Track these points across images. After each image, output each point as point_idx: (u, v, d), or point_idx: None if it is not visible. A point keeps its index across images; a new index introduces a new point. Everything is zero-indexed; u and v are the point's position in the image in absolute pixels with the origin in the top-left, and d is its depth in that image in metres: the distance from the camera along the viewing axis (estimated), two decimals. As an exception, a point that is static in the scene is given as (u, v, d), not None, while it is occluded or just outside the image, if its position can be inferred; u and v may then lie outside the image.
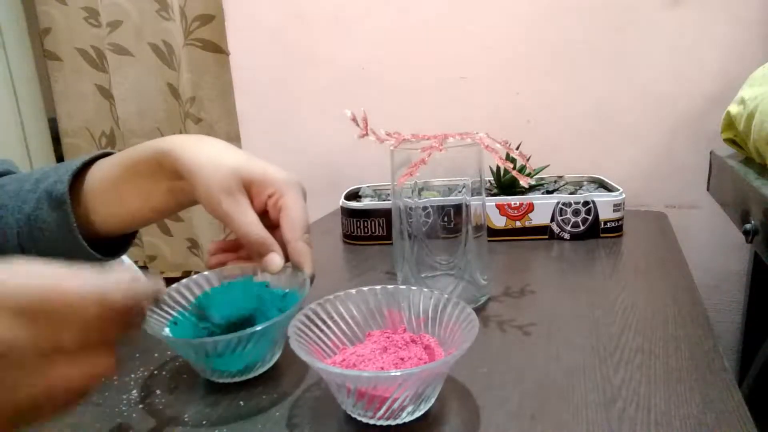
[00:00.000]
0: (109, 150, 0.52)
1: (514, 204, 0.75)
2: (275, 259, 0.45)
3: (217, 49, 1.18)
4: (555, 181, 0.84)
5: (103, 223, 0.49)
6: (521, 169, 0.73)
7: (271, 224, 0.47)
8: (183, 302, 0.46)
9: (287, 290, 0.46)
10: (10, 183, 0.50)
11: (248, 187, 0.47)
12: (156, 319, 0.43)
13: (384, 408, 0.35)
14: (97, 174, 0.49)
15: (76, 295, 0.28)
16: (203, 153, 0.47)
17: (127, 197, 0.48)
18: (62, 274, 0.28)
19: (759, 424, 0.35)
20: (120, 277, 0.29)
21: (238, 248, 0.50)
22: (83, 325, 0.29)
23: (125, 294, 0.29)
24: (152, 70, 1.24)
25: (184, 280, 0.47)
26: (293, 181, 0.48)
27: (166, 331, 0.43)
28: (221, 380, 0.43)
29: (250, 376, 0.43)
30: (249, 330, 0.38)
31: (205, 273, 0.48)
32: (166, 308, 0.45)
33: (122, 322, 0.30)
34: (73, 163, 0.49)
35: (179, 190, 0.49)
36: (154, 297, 0.32)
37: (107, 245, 0.50)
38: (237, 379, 0.43)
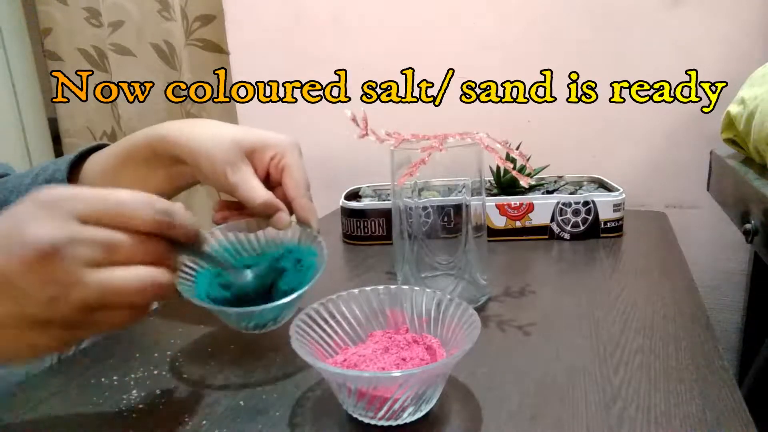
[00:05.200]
0: (104, 142, 0.53)
1: (514, 204, 0.75)
2: (283, 217, 0.48)
3: (218, 49, 1.18)
4: (555, 181, 0.84)
5: None
6: (521, 169, 0.73)
7: (273, 184, 0.49)
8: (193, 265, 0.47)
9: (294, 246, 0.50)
10: (10, 180, 0.51)
11: (250, 155, 0.48)
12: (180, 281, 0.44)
13: (385, 408, 0.35)
14: (93, 165, 0.51)
15: (128, 194, 0.32)
16: (200, 131, 0.48)
17: (123, 185, 0.49)
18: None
19: (759, 424, 0.35)
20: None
21: (242, 206, 0.51)
22: (135, 225, 0.32)
23: (172, 208, 0.33)
24: (153, 70, 1.24)
25: None
26: (293, 142, 0.50)
27: (194, 293, 0.44)
28: (250, 332, 0.46)
29: (274, 328, 0.47)
30: (286, 299, 0.42)
31: (212, 229, 0.49)
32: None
33: (174, 234, 0.33)
34: (70, 155, 0.50)
35: (177, 174, 0.50)
36: (195, 233, 0.35)
37: None
38: (260, 331, 0.46)
